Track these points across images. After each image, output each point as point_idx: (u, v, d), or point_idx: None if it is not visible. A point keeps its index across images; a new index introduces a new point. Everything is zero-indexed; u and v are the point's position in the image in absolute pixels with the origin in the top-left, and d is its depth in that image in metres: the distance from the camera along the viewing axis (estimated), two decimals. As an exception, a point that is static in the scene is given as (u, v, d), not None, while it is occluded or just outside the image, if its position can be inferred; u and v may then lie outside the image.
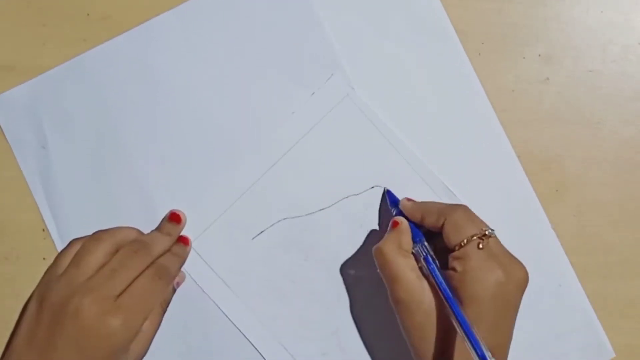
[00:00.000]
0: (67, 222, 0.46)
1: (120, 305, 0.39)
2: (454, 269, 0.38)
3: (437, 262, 0.39)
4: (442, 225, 0.40)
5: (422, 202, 0.44)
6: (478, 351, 0.34)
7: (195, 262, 0.46)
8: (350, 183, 0.46)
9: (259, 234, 0.46)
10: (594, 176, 0.47)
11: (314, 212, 0.46)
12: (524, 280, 0.38)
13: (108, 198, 0.46)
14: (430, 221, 0.41)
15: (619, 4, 0.48)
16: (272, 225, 0.46)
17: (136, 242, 0.43)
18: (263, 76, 0.47)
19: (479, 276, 0.37)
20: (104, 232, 0.43)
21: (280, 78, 0.47)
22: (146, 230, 0.45)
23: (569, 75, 0.47)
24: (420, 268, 0.40)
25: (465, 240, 0.38)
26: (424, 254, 0.39)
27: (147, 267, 0.41)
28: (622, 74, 0.47)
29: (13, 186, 0.46)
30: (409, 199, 0.44)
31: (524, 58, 0.47)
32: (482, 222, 0.40)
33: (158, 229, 0.45)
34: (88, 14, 0.47)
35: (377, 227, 0.46)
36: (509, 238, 0.46)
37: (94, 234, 0.43)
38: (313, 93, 0.47)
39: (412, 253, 0.41)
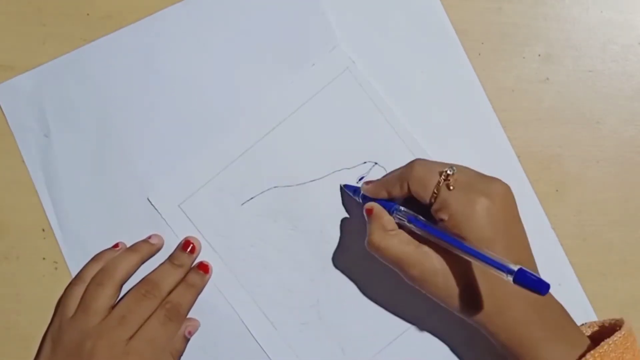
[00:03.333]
0: (67, 211, 0.46)
1: (130, 350, 0.41)
2: (442, 220, 0.38)
3: (421, 217, 0.39)
4: (408, 189, 0.40)
5: (380, 179, 0.44)
6: (503, 268, 0.33)
7: (182, 223, 0.46)
8: (344, 156, 0.46)
9: (248, 200, 0.46)
10: (594, 176, 0.47)
11: (305, 183, 0.46)
12: (507, 192, 0.39)
13: (109, 186, 0.46)
14: (396, 191, 0.41)
15: (619, 4, 0.48)
16: (263, 192, 0.46)
17: (144, 283, 0.44)
18: (264, 67, 0.46)
19: (466, 214, 0.37)
20: (105, 274, 0.44)
21: (284, 70, 0.47)
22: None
23: (568, 75, 0.47)
24: (413, 233, 0.40)
25: (435, 191, 0.38)
26: (407, 217, 0.39)
27: (158, 306, 0.43)
28: (622, 74, 0.47)
29: (13, 186, 0.46)
30: (367, 182, 0.44)
31: (523, 58, 0.47)
32: (439, 164, 0.40)
33: (170, 258, 0.45)
34: (88, 14, 0.47)
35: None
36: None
37: (94, 277, 0.44)
38: (314, 64, 0.46)
39: (398, 225, 0.40)
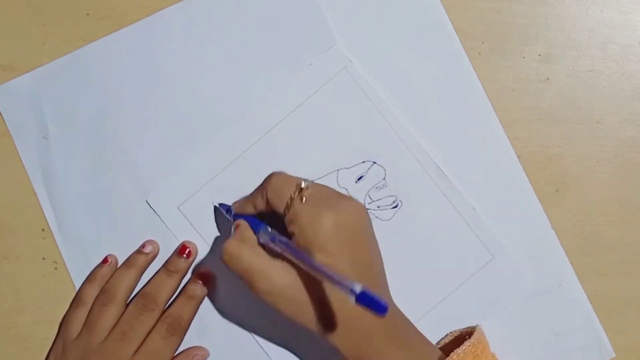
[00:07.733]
0: (66, 214, 0.46)
1: None
2: (292, 233, 0.38)
3: (284, 237, 0.38)
4: (268, 201, 0.40)
5: (247, 195, 0.43)
6: (347, 286, 0.32)
7: (181, 225, 0.46)
8: (343, 156, 0.46)
9: None
10: (594, 176, 0.47)
11: None
12: (359, 210, 0.39)
13: (108, 188, 0.46)
14: (260, 204, 0.41)
15: (619, 4, 0.47)
16: None
17: (141, 296, 0.44)
18: (263, 69, 0.46)
19: (313, 226, 0.37)
20: (108, 296, 0.44)
21: (281, 71, 0.47)
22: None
23: (568, 75, 0.47)
24: (272, 250, 0.39)
25: (288, 202, 0.38)
26: (270, 235, 0.39)
27: (159, 318, 0.43)
28: (622, 74, 0.47)
29: (13, 186, 0.46)
30: (236, 201, 0.44)
31: (524, 58, 0.47)
32: (298, 178, 0.40)
33: (165, 265, 0.45)
34: (88, 14, 0.47)
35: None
36: (508, 238, 0.46)
37: (97, 299, 0.44)
38: (311, 64, 0.46)
39: (261, 243, 0.40)
